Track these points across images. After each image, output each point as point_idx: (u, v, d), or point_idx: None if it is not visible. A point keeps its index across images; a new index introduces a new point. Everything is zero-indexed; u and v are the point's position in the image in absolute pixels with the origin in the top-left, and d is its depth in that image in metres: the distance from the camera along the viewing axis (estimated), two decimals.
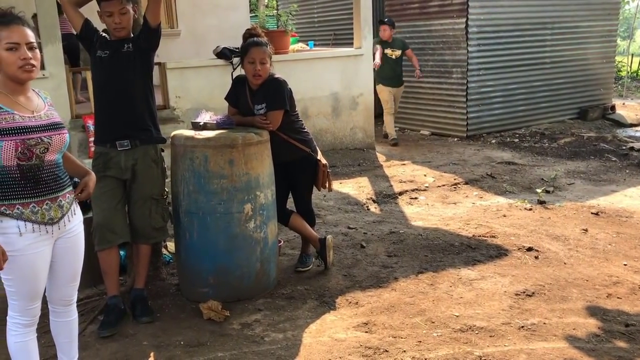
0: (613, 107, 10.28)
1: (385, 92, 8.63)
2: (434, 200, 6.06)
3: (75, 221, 2.62)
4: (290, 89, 3.87)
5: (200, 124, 3.79)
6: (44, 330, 3.03)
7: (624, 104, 12.22)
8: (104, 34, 3.54)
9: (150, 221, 3.57)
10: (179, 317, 3.60)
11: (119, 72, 3.44)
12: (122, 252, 4.10)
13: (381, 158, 7.85)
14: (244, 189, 3.61)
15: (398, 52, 8.45)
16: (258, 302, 3.74)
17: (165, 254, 4.30)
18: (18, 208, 2.41)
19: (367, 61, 7.88)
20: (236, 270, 3.70)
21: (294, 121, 3.99)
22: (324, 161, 4.12)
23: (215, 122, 3.77)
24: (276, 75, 3.87)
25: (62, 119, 2.60)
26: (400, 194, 6.30)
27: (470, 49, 8.58)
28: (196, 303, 3.66)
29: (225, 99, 4.03)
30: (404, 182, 6.68)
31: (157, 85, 7.01)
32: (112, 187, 3.47)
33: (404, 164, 7.48)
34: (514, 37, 8.96)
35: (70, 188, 2.61)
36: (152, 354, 3.17)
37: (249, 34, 3.86)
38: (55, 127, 2.47)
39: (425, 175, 6.90)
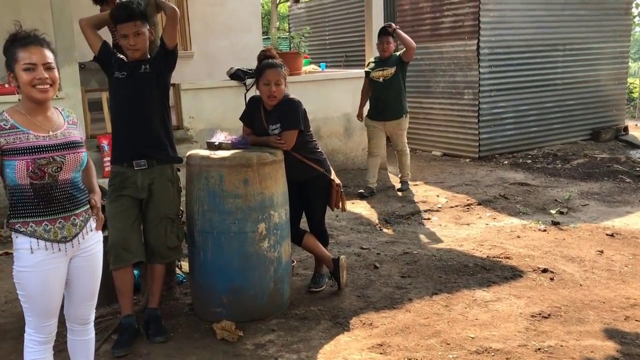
0: (626, 129, 10.24)
1: (369, 128, 6.88)
2: (447, 221, 6.03)
3: (92, 240, 2.64)
4: (304, 109, 3.91)
5: (216, 143, 3.82)
6: (59, 349, 3.04)
7: (636, 125, 12.19)
8: (121, 56, 3.60)
9: (166, 240, 3.59)
10: (192, 336, 3.59)
11: (137, 92, 3.49)
12: (135, 272, 4.12)
13: (393, 178, 7.85)
14: (258, 209, 3.62)
15: (390, 71, 6.51)
16: (271, 323, 3.72)
17: (178, 274, 4.30)
18: (31, 226, 2.44)
19: None
20: (250, 289, 3.69)
21: (308, 141, 4.01)
22: (337, 181, 4.13)
23: (230, 142, 3.80)
24: (291, 96, 3.91)
25: (81, 138, 2.63)
26: (413, 214, 6.28)
27: (482, 70, 8.61)
28: (209, 323, 3.65)
29: (240, 119, 4.07)
30: (417, 202, 6.67)
31: (171, 105, 7.14)
32: (128, 207, 3.49)
33: (416, 185, 7.47)
34: (526, 58, 8.99)
35: (87, 207, 2.63)
36: None
37: (264, 56, 3.90)
38: (71, 145, 2.50)
39: (437, 196, 6.88)
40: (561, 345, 3.38)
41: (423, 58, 9.40)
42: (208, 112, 6.72)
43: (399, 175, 7.20)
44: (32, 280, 2.46)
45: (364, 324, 3.71)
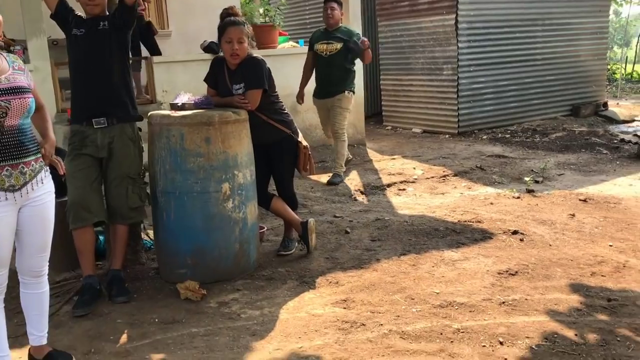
0: (605, 104, 10.26)
1: (317, 110, 6.36)
2: (422, 191, 6.01)
3: (41, 190, 2.59)
4: (268, 68, 3.85)
5: (179, 104, 3.76)
6: (17, 310, 2.99)
7: (618, 103, 12.22)
8: (79, 14, 3.53)
9: (127, 201, 3.54)
10: (156, 297, 3.55)
11: (95, 49, 3.43)
12: (101, 237, 4.08)
13: (371, 154, 7.82)
14: (221, 168, 3.57)
15: (336, 46, 5.94)
16: (237, 283, 3.69)
17: (146, 240, 4.25)
18: None
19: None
20: (214, 250, 3.65)
21: (274, 102, 3.96)
22: (305, 143, 4.09)
23: (193, 102, 3.75)
24: (254, 55, 3.85)
25: (29, 84, 2.58)
26: (389, 185, 6.25)
27: (460, 45, 8.58)
28: (174, 284, 3.61)
29: (204, 80, 4.01)
30: (393, 174, 6.64)
31: (144, 80, 7.05)
32: (88, 165, 3.43)
33: (393, 159, 7.44)
34: (505, 33, 8.96)
35: (38, 156, 2.58)
36: (125, 331, 3.12)
37: (226, 14, 3.84)
38: (16, 91, 2.45)
39: (414, 168, 6.86)
40: (525, 299, 3.38)
41: (402, 34, 9.35)
42: (181, 85, 6.59)
43: (332, 167, 6.35)
44: None
45: (330, 282, 3.69)
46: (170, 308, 3.37)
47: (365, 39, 5.95)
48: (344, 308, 3.30)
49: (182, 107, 3.73)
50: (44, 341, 2.74)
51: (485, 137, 8.71)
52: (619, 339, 2.92)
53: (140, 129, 3.66)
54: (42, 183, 2.60)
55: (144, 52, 7.37)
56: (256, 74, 3.76)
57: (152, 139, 3.63)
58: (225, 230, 3.65)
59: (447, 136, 8.94)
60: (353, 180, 6.41)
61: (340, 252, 4.20)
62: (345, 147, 6.36)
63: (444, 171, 6.69)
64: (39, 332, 2.74)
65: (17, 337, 3.02)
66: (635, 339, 2.92)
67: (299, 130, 4.12)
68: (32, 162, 2.54)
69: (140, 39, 7.24)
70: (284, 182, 4.16)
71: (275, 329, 3.08)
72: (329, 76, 6.07)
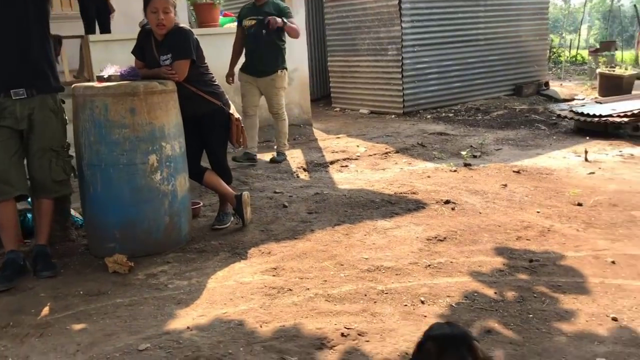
0: (547, 83, 10.54)
1: (242, 84, 5.97)
2: (364, 168, 6.07)
3: None
4: (196, 39, 3.81)
5: (105, 76, 3.69)
6: None
7: (561, 84, 12.58)
8: None
9: (51, 174, 3.46)
10: (83, 272, 3.49)
11: (12, 18, 3.31)
12: (29, 215, 3.98)
13: (317, 134, 7.85)
14: (148, 139, 3.53)
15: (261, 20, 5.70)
16: (168, 256, 3.67)
17: (76, 217, 4.17)
18: None
19: (301, 36, 7.84)
20: (144, 223, 3.61)
21: (203, 73, 3.92)
22: (236, 115, 4.07)
23: (119, 74, 3.68)
24: (181, 25, 3.80)
25: None
26: (332, 162, 6.29)
27: (404, 25, 8.66)
28: (103, 259, 3.56)
29: (132, 52, 3.94)
30: (337, 152, 6.69)
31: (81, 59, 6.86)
32: (7, 138, 3.34)
33: (338, 137, 7.49)
34: (447, 13, 9.09)
35: None
36: (48, 304, 3.06)
37: None
38: None
39: (357, 146, 6.92)
40: (451, 262, 3.46)
41: (348, 15, 9.38)
42: (120, 64, 6.48)
43: (275, 146, 6.33)
44: None
45: (263, 253, 3.70)
46: (97, 281, 3.32)
47: (273, 18, 5.63)
48: (273, 275, 3.32)
49: (109, 79, 3.66)
50: None
51: (429, 116, 8.84)
52: (535, 295, 3.03)
53: (63, 102, 3.57)
54: None
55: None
56: (183, 45, 3.72)
57: (76, 111, 3.55)
58: (154, 203, 3.61)
59: (393, 116, 9.04)
60: (296, 159, 6.42)
61: (275, 225, 4.22)
62: (286, 126, 6.33)
63: (386, 148, 6.77)
64: None
65: None
66: (551, 295, 3.03)
67: (230, 103, 4.10)
68: None
69: (96, 16, 7.10)
70: (216, 155, 4.13)
71: (201, 297, 3.07)
72: (258, 53, 5.84)
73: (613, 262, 3.38)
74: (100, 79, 3.69)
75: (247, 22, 5.85)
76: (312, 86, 10.69)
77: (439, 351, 1.58)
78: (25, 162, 3.46)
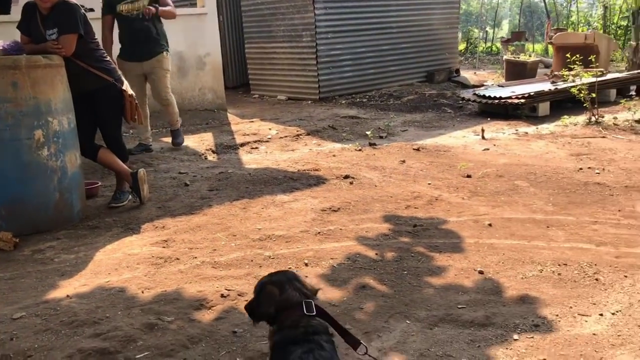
0: (457, 71, 10.97)
1: (124, 73, 4.44)
2: (274, 149, 6.15)
3: None
4: (84, 13, 3.76)
5: None
6: None
7: (475, 73, 13.12)
8: None
9: None
10: None
11: None
12: None
13: (231, 118, 7.86)
14: (33, 114, 3.46)
15: (143, 2, 5.44)
16: (59, 233, 3.62)
17: None
18: None
19: (212, 21, 7.83)
20: (32, 200, 3.55)
21: (93, 49, 3.88)
22: (130, 91, 4.04)
23: (1, 48, 3.58)
24: (67, 0, 3.74)
25: None
26: (242, 145, 6.33)
27: (317, 12, 8.78)
28: None
29: (17, 27, 3.84)
30: (248, 135, 6.73)
31: None
32: None
33: (252, 122, 7.54)
34: (360, 1, 9.28)
35: None
36: None
37: None
38: None
39: (270, 129, 6.99)
40: (340, 229, 3.60)
41: (263, 2, 9.41)
42: None
43: (170, 128, 6.02)
44: None
45: (157, 227, 3.71)
46: None
47: (148, 9, 5.41)
48: (163, 247, 3.35)
49: None
50: None
51: (344, 102, 9.03)
52: (413, 255, 3.20)
53: None
54: None
55: None
56: (69, 19, 3.66)
57: None
58: (42, 179, 3.55)
59: (309, 102, 9.17)
60: (206, 141, 6.42)
61: (174, 202, 4.23)
62: (175, 106, 5.86)
63: (297, 131, 6.87)
64: None
65: None
66: (427, 254, 3.22)
67: (123, 79, 4.07)
68: None
69: None
70: (110, 132, 4.09)
71: (86, 269, 3.07)
72: (141, 34, 5.47)
73: (490, 225, 3.62)
74: None
75: (125, 7, 5.42)
76: (232, 73, 10.72)
77: (279, 288, 1.70)
78: None
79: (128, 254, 3.23)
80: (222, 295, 2.71)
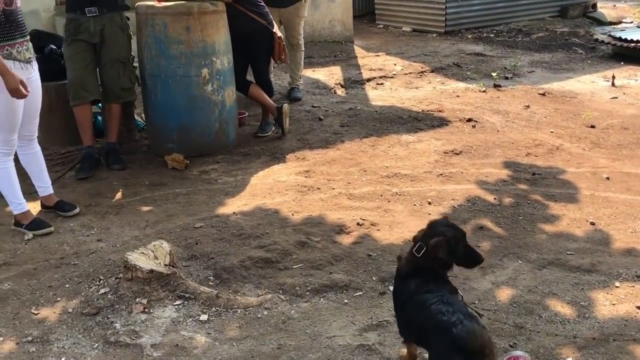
0: (594, 5, 10.36)
1: None
2: (398, 86, 6.45)
3: (35, 67, 3.10)
4: None
5: None
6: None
7: (614, 5, 12.25)
8: None
9: (119, 82, 4.03)
10: (147, 167, 4.14)
11: None
12: (99, 118, 4.62)
13: (358, 51, 8.16)
14: (201, 55, 4.04)
15: None
16: (218, 157, 4.27)
17: (139, 121, 4.78)
18: (7, 49, 2.88)
19: None
20: (197, 128, 4.20)
21: None
22: (279, 34, 4.51)
23: None
24: None
25: None
26: (368, 80, 6.68)
27: None
28: (163, 157, 4.18)
29: None
30: (374, 70, 7.05)
31: None
32: (83, 50, 3.90)
33: (377, 55, 7.81)
34: None
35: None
36: (120, 190, 3.74)
37: None
38: None
39: (395, 65, 7.25)
40: (461, 172, 3.95)
41: None
42: None
43: (290, 80, 5.90)
44: (7, 96, 2.87)
45: (298, 158, 4.26)
46: (159, 175, 3.97)
47: None
48: (305, 177, 3.89)
49: None
50: (51, 190, 3.35)
51: (470, 36, 8.98)
52: (529, 202, 3.51)
53: (129, 18, 4.08)
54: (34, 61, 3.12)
55: None
56: None
57: (139, 27, 4.07)
58: (205, 111, 4.17)
59: (434, 35, 9.20)
60: (334, 75, 6.83)
61: (311, 135, 4.74)
62: (302, 57, 5.87)
63: (422, 67, 7.08)
64: (44, 184, 3.34)
65: (30, 193, 3.62)
66: (543, 202, 3.51)
67: (274, 22, 4.53)
68: (27, 42, 3.03)
69: None
70: (260, 69, 4.62)
71: (245, 191, 3.69)
72: None
73: (607, 178, 3.80)
74: None
75: None
76: (357, 2, 10.85)
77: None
78: (97, 71, 4.03)
79: (277, 181, 3.81)
80: (357, 224, 3.21)
